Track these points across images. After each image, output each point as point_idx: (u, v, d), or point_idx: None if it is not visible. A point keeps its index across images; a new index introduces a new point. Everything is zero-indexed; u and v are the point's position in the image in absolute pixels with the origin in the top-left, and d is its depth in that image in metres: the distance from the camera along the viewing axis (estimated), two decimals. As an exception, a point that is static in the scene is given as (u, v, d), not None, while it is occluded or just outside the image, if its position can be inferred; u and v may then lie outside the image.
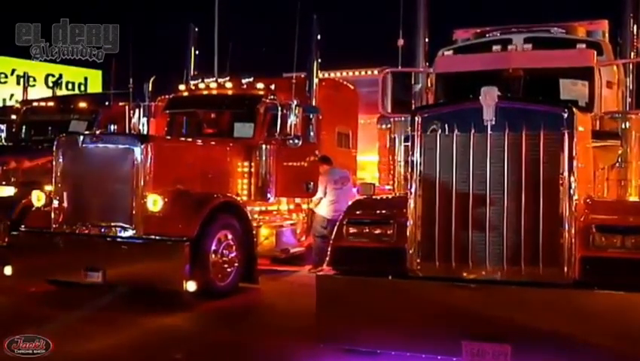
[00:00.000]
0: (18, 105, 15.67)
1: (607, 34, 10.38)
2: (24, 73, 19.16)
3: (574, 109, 5.47)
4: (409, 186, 5.82)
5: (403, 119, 8.47)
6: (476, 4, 27.12)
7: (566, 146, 5.32)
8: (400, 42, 9.41)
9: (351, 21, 28.22)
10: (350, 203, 7.04)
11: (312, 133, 11.49)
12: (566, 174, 5.31)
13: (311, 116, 11.41)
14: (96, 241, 8.96)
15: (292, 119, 10.50)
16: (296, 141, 10.52)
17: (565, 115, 5.37)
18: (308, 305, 6.21)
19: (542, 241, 5.34)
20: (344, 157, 12.91)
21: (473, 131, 5.49)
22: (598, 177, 7.29)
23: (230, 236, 9.27)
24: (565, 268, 5.30)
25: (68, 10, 19.62)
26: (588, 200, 5.89)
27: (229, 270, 9.25)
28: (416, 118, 5.75)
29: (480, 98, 5.47)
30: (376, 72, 13.69)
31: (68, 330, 7.47)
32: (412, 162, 5.74)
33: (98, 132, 10.45)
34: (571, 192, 5.31)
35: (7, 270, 9.19)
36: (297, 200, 11.85)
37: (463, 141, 5.53)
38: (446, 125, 5.59)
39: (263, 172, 10.52)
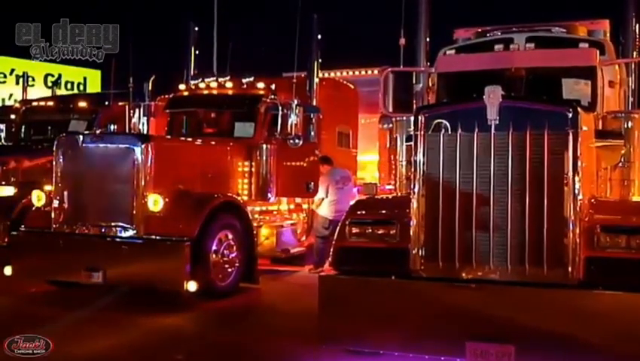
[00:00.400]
0: (17, 105, 15.63)
1: (608, 34, 10.35)
2: (23, 73, 19.13)
3: (578, 108, 5.44)
4: (412, 186, 5.78)
5: (405, 118, 8.43)
6: (477, 4, 27.10)
7: (570, 145, 5.29)
8: (402, 41, 9.37)
9: (351, 21, 28.17)
10: (352, 203, 7.01)
11: (312, 133, 11.45)
12: (570, 173, 5.28)
13: (311, 115, 11.38)
14: (97, 241, 8.94)
15: (293, 119, 10.47)
16: (296, 140, 10.49)
17: (570, 114, 5.34)
18: (309, 306, 6.20)
19: (546, 241, 5.31)
20: (344, 157, 12.90)
21: (476, 130, 5.46)
22: (601, 177, 7.25)
23: (230, 236, 9.25)
24: (570, 269, 5.27)
25: (68, 10, 19.60)
26: (592, 200, 5.86)
27: (229, 270, 9.23)
28: (419, 117, 5.72)
29: (484, 97, 5.43)
30: (376, 72, 13.68)
31: (68, 330, 7.46)
32: (415, 161, 5.71)
33: (98, 132, 10.42)
34: (576, 192, 5.28)
35: (7, 270, 9.16)
36: (298, 200, 11.83)
37: (467, 140, 5.50)
38: (450, 125, 5.56)
39: (263, 172, 10.50)
